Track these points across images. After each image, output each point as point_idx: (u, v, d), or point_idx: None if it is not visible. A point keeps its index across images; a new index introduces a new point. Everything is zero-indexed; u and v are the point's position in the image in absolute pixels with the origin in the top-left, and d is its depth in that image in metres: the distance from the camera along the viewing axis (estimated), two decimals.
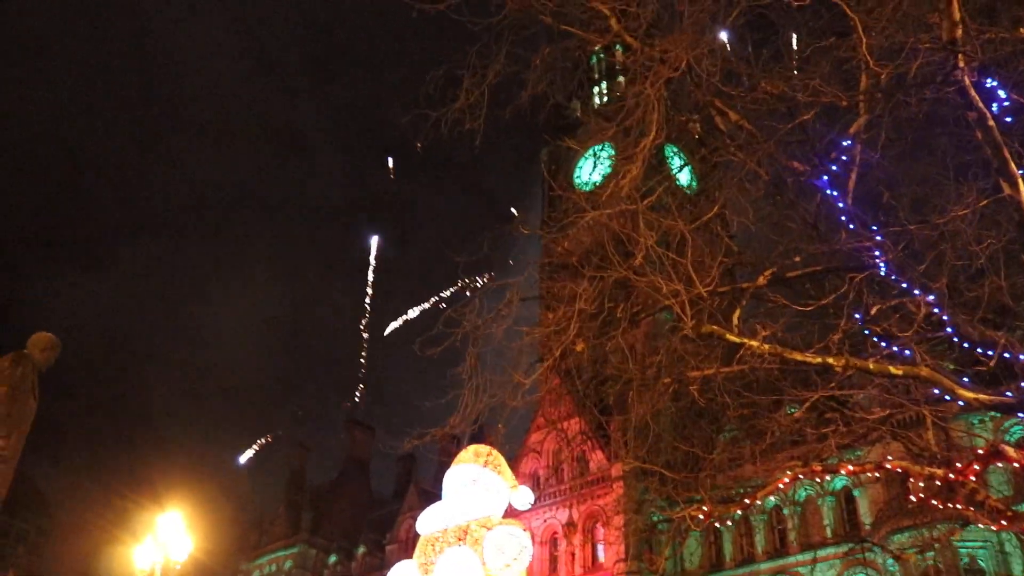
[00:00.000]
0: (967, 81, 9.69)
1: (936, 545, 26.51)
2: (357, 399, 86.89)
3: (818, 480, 25.74)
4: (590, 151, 49.94)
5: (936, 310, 11.86)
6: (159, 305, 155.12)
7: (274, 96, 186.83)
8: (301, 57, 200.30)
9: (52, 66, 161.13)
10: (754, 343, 12.03)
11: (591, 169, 50.62)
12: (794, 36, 12.42)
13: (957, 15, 9.76)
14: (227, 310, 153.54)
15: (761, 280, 12.78)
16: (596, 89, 55.08)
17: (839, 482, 34.68)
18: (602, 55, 40.36)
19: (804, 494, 37.65)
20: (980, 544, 30.11)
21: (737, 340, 12.17)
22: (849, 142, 12.20)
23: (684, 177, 16.98)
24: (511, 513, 32.07)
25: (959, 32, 9.75)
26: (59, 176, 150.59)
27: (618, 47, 16.16)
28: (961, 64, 9.65)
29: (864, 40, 10.62)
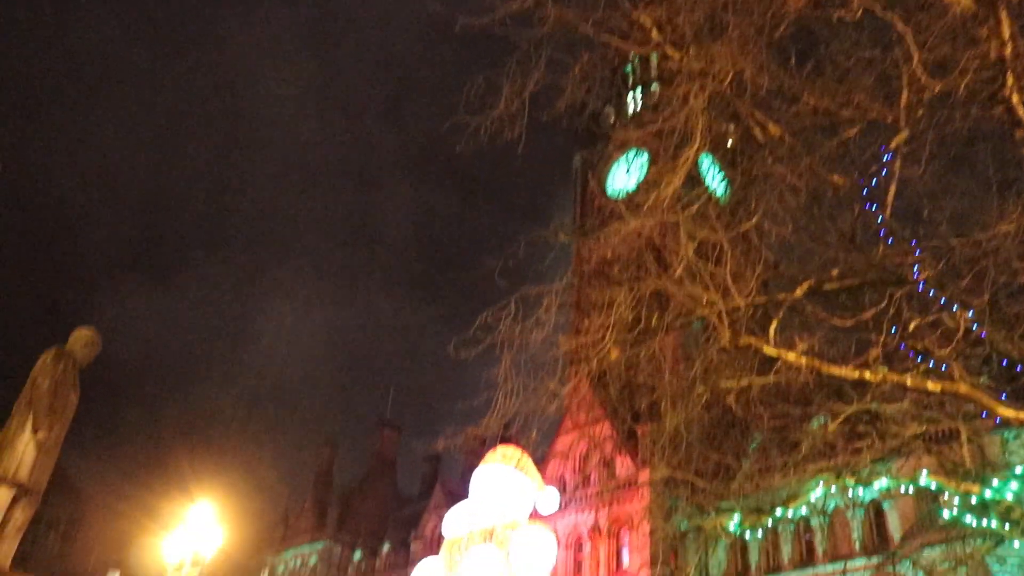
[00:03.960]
0: (1015, 99, 9.60)
1: (968, 562, 26.18)
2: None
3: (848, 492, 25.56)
4: (623, 158, 49.97)
5: (975, 326, 11.77)
6: (223, 323, 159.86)
7: (349, 133, 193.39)
8: (376, 97, 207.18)
9: (142, 112, 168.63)
10: (791, 356, 11.98)
11: (624, 176, 50.60)
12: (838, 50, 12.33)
13: (1007, 33, 9.67)
14: (290, 328, 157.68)
15: (798, 292, 12.72)
16: (630, 96, 54.96)
17: (869, 494, 34.32)
18: (637, 63, 40.37)
19: (833, 505, 37.32)
20: (1016, 562, 29.67)
21: (775, 353, 12.12)
22: (889, 156, 12.14)
23: (720, 187, 16.93)
24: (537, 515, 31.99)
25: (1008, 50, 9.67)
26: (141, 203, 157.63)
27: (654, 56, 16.14)
28: (1009, 82, 9.57)
29: (916, 54, 10.51)
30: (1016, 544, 16.76)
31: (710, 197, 13.51)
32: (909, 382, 11.93)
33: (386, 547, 62.36)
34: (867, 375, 11.90)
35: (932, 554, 29.00)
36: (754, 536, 38.26)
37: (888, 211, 12.14)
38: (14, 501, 9.84)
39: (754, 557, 40.36)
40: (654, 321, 13.04)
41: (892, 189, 12.23)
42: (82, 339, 11.05)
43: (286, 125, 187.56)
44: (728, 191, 15.78)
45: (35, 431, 10.01)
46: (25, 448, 9.95)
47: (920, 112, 11.54)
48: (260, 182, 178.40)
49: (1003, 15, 9.69)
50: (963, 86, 10.47)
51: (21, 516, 9.94)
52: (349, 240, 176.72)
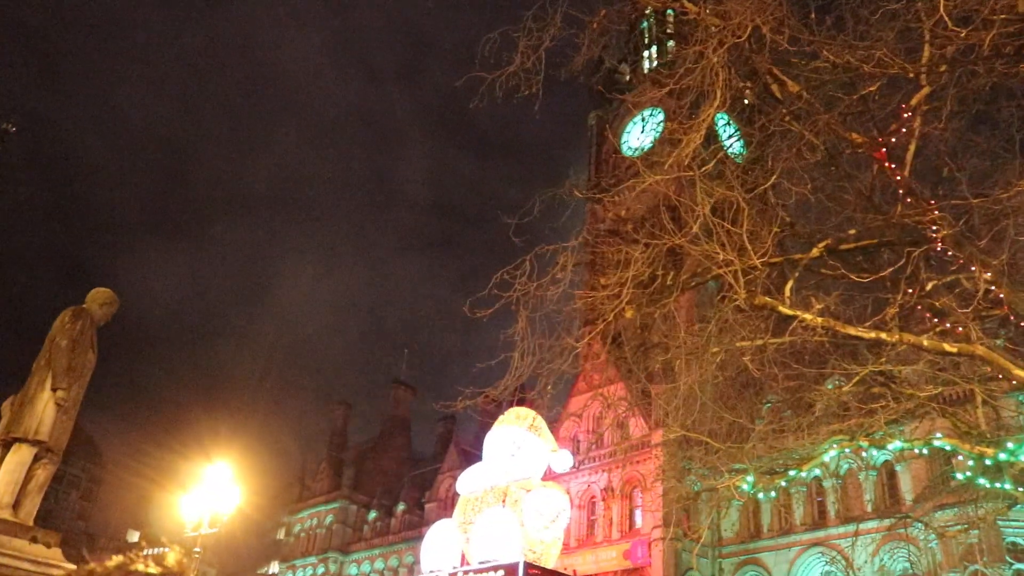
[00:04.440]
0: None
1: (981, 524, 26.22)
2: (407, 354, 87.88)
3: (863, 454, 25.58)
4: (640, 115, 49.53)
5: (993, 287, 11.66)
6: (241, 283, 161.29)
7: (367, 93, 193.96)
8: (393, 57, 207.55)
9: (163, 71, 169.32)
10: (807, 316, 11.92)
11: (639, 134, 50.22)
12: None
13: None
14: (306, 288, 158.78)
15: (815, 252, 12.64)
16: (646, 53, 54.39)
17: (881, 456, 34.37)
18: (652, 20, 39.81)
19: (845, 467, 37.41)
20: None
21: (790, 312, 12.07)
22: (909, 114, 11.97)
23: (735, 145, 16.76)
24: (550, 475, 32.19)
25: None
26: (162, 163, 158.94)
27: (670, 12, 15.89)
28: None
29: (942, 4, 10.25)
30: None
31: (726, 155, 13.39)
32: (925, 343, 11.85)
33: (401, 507, 63.04)
34: (883, 336, 11.84)
35: (944, 516, 29.07)
36: (767, 497, 38.47)
37: (907, 170, 11.99)
38: (35, 459, 9.94)
39: (766, 518, 40.61)
40: (669, 280, 12.98)
41: (912, 147, 12.07)
42: (100, 298, 11.08)
43: (305, 86, 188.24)
44: (744, 149, 15.62)
45: (54, 390, 10.07)
46: (45, 407, 10.01)
47: (942, 68, 11.35)
48: (279, 143, 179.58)
49: None
50: (988, 40, 10.26)
51: (43, 474, 10.05)
52: (366, 200, 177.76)
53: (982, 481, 15.23)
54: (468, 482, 30.25)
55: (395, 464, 71.64)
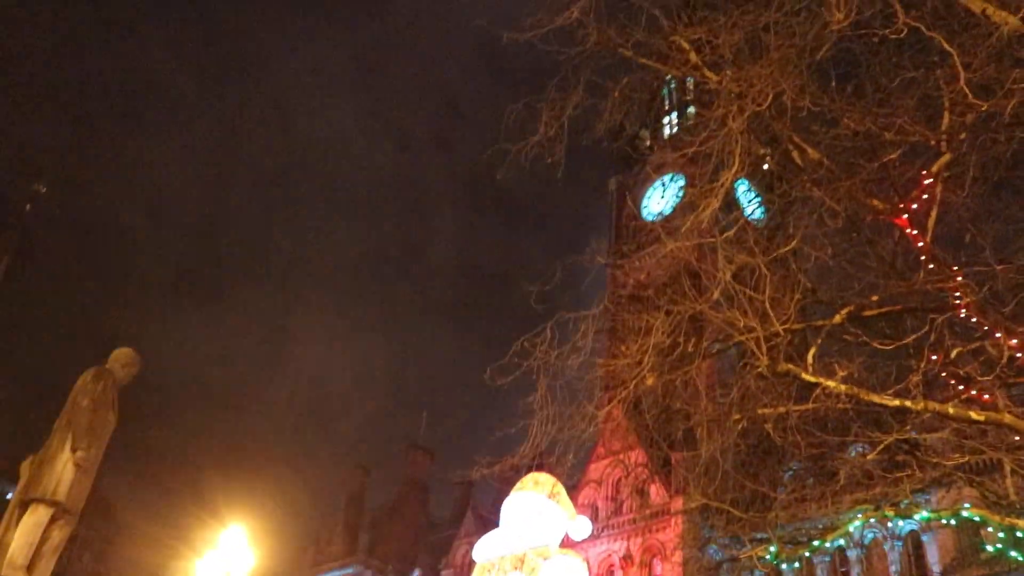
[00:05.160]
0: None
1: None
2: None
3: (888, 523, 25.07)
4: (660, 181, 49.91)
5: (1020, 354, 11.52)
6: (263, 347, 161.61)
7: (396, 161, 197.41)
8: (423, 125, 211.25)
9: (195, 138, 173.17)
10: (831, 383, 11.82)
11: (659, 199, 50.50)
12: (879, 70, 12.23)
13: None
14: (327, 352, 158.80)
15: (837, 318, 12.57)
16: (666, 120, 54.95)
17: (907, 526, 33.67)
18: (673, 86, 40.36)
19: (870, 536, 36.61)
20: None
21: (813, 379, 11.96)
22: (930, 180, 11.99)
23: (756, 211, 16.81)
24: (568, 543, 31.79)
25: None
26: (189, 227, 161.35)
27: (690, 79, 16.11)
28: None
29: (963, 74, 10.37)
30: None
31: (747, 221, 13.42)
32: (951, 411, 11.69)
33: (416, 572, 62.11)
34: (907, 404, 11.70)
35: None
36: (790, 568, 37.60)
37: (929, 236, 11.97)
38: (52, 520, 9.85)
39: None
40: (690, 347, 12.92)
41: (933, 213, 12.06)
42: (122, 358, 11.06)
43: (334, 153, 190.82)
44: (765, 215, 15.66)
45: (74, 451, 10.03)
46: (64, 467, 9.96)
47: (963, 135, 11.41)
48: (306, 209, 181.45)
49: None
50: (1009, 109, 10.32)
51: (58, 535, 9.96)
52: (391, 266, 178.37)
53: (1014, 554, 14.86)
54: (485, 549, 29.81)
55: (411, 529, 70.81)
